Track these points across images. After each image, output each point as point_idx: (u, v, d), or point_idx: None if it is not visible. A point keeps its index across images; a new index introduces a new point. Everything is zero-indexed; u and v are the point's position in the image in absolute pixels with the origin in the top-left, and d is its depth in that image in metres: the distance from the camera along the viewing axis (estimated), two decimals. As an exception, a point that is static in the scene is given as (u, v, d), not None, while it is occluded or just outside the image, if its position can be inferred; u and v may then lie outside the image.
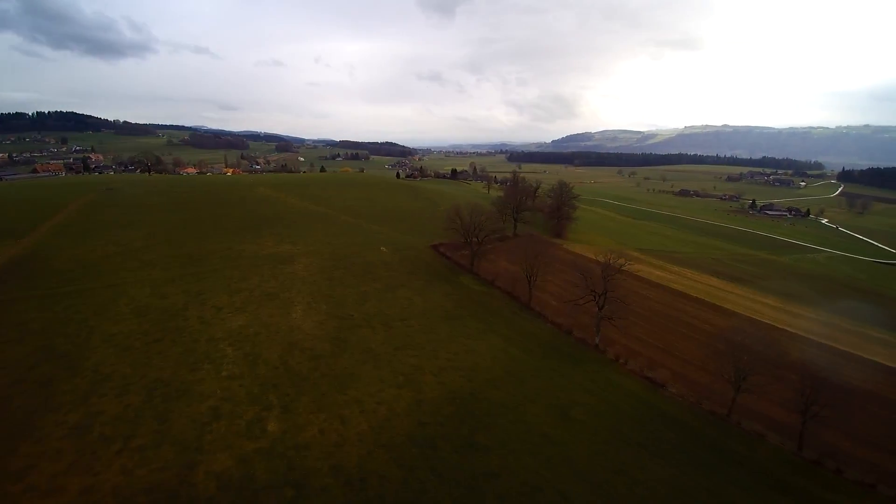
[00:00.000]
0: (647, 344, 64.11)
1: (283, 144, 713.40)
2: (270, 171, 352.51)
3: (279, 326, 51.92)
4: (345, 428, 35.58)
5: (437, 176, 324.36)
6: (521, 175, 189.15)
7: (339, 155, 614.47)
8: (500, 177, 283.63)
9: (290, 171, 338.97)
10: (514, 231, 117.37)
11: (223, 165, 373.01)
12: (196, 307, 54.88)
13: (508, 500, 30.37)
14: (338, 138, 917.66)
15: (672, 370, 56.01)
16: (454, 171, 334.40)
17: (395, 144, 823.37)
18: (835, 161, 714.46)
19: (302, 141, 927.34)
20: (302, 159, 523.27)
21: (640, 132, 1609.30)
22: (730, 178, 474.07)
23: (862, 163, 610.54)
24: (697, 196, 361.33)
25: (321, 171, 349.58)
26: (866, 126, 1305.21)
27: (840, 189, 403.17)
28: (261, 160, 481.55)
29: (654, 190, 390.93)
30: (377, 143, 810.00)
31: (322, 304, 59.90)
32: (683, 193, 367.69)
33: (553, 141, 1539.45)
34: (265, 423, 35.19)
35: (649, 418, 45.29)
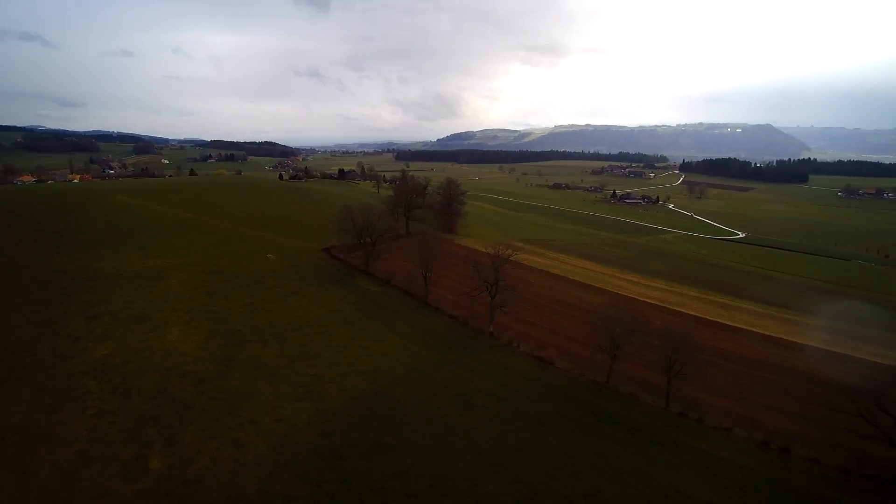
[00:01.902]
0: (536, 326, 69.09)
1: (143, 145, 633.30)
2: (128, 177, 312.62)
3: (153, 352, 46.41)
4: (241, 453, 33.09)
5: (324, 176, 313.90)
6: (410, 173, 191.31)
7: (211, 156, 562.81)
8: (389, 176, 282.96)
9: (154, 176, 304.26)
10: (406, 229, 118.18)
11: (69, 171, 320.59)
12: (47, 338, 46.80)
13: (419, 495, 30.78)
14: (208, 137, 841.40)
15: (558, 348, 61.05)
16: (342, 171, 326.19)
17: (275, 144, 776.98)
18: (677, 154, 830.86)
19: (165, 141, 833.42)
20: (166, 162, 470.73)
21: (516, 131, 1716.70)
22: (594, 172, 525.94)
23: (698, 155, 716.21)
24: (568, 188, 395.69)
25: (191, 174, 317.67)
26: (700, 124, 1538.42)
27: (682, 178, 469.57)
28: (115, 164, 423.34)
29: (531, 184, 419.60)
30: (255, 142, 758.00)
31: (203, 321, 54.77)
32: (557, 187, 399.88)
33: (438, 139, 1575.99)
34: (146, 461, 31.33)
35: (542, 394, 48.97)
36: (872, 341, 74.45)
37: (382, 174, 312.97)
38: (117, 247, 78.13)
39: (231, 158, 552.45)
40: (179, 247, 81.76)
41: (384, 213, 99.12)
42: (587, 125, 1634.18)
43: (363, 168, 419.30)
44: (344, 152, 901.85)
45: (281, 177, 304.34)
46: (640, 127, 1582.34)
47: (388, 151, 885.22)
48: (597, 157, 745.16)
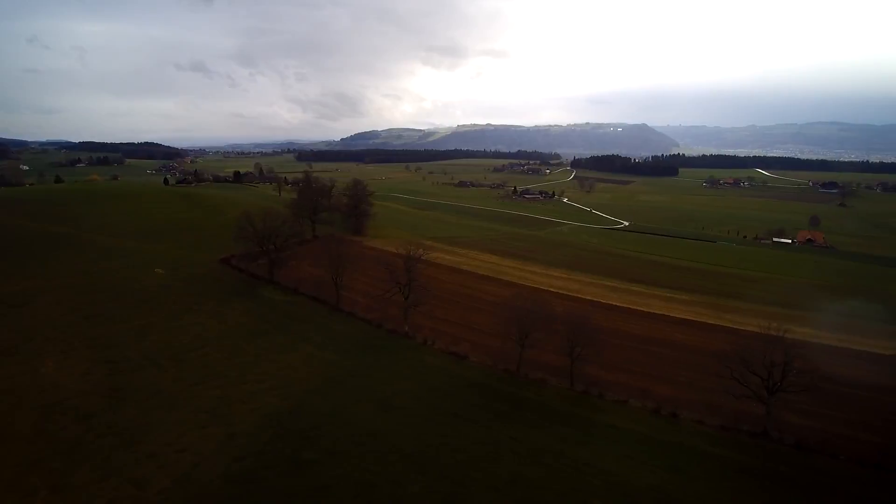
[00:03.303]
0: (450, 322, 70.78)
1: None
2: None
3: (26, 389, 40.43)
4: (141, 490, 30.15)
5: (217, 180, 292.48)
6: (314, 174, 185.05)
7: (80, 160, 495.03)
8: (291, 177, 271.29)
9: (11, 184, 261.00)
10: (313, 233, 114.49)
11: None
12: None
13: (344, 505, 30.39)
14: (77, 139, 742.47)
15: (472, 342, 63.08)
16: (238, 174, 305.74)
17: (157, 145, 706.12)
18: (568, 152, 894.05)
19: (23, 143, 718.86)
20: (26, 168, 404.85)
21: (421, 130, 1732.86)
22: (496, 170, 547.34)
23: (586, 152, 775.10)
24: (473, 186, 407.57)
25: (57, 181, 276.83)
26: (587, 123, 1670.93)
27: (574, 174, 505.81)
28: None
29: (438, 182, 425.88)
30: (133, 143, 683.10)
31: (83, 349, 48.76)
32: (462, 185, 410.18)
33: (342, 139, 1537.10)
34: (25, 515, 27.41)
35: (459, 388, 50.49)
36: (738, 312, 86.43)
37: (284, 176, 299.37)
38: (-37, 271, 66.53)
39: (105, 162, 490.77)
40: (48, 266, 71.73)
41: (288, 218, 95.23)
42: (488, 125, 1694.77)
43: (262, 170, 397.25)
44: (239, 153, 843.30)
45: (167, 181, 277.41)
46: (536, 127, 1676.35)
47: (289, 152, 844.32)
48: (498, 155, 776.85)
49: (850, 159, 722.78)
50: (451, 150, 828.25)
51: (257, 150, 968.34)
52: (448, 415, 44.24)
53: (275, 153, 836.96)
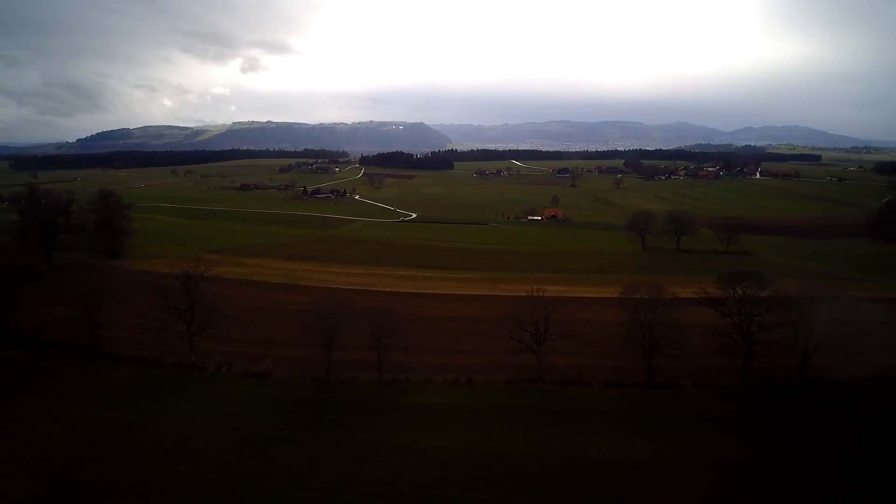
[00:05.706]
0: (247, 342, 65.58)
1: None
2: None
3: None
4: None
5: None
6: (43, 187, 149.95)
7: None
8: (7, 192, 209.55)
9: None
10: (49, 263, 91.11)
11: None
12: None
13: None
14: None
15: (275, 357, 59.55)
16: None
17: None
18: (355, 149, 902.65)
19: None
20: None
21: (188, 128, 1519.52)
22: (282, 170, 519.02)
23: (373, 150, 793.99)
24: (258, 189, 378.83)
25: None
26: (371, 122, 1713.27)
27: (363, 171, 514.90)
28: None
29: (215, 187, 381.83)
30: None
31: None
32: (245, 188, 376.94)
33: (79, 140, 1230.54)
34: None
35: (266, 411, 47.44)
36: (510, 281, 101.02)
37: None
38: None
39: None
40: None
41: (8, 247, 74.52)
42: (269, 122, 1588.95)
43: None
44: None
45: None
46: (321, 124, 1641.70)
47: (2, 158, 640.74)
48: (283, 154, 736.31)
49: (576, 150, 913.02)
50: (228, 151, 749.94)
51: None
52: (258, 442, 41.06)
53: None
